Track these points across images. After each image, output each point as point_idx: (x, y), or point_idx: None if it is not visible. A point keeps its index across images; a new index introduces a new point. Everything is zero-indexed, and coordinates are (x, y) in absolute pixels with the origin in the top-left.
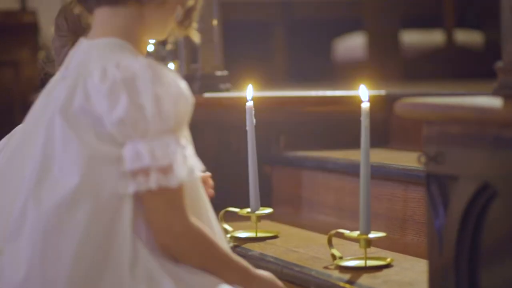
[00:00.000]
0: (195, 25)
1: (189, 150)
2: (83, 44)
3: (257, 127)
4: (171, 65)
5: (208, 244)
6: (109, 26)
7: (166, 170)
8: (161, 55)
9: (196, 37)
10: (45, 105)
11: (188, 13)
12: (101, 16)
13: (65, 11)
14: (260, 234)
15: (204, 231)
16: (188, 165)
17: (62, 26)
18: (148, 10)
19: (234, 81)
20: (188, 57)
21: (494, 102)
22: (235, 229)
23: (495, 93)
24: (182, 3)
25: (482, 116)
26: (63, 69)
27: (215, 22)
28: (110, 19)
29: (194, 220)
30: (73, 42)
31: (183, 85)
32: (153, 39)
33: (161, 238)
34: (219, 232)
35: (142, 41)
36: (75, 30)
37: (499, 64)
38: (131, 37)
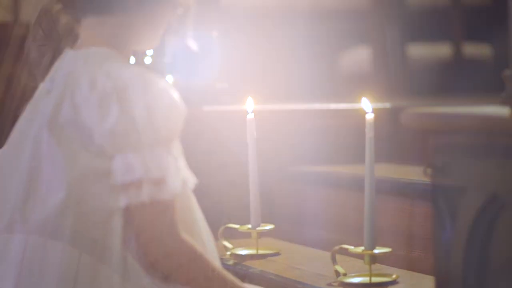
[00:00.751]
0: (190, 33)
1: (181, 162)
2: (68, 54)
3: (258, 141)
4: (170, 77)
5: (199, 261)
6: (96, 36)
7: (159, 182)
8: (159, 67)
9: (192, 45)
10: (31, 119)
11: (181, 21)
12: (87, 26)
13: (39, 19)
14: (261, 251)
15: (196, 247)
16: (181, 177)
17: (38, 35)
18: (136, 19)
19: (235, 93)
20: (187, 69)
21: (502, 111)
22: (235, 246)
23: (503, 102)
24: (171, 11)
25: (490, 125)
26: (47, 81)
27: (215, 33)
28: (97, 29)
29: (185, 235)
30: (53, 50)
31: (175, 95)
32: (143, 48)
33: (151, 254)
34: (211, 246)
35: (130, 51)
36: (51, 37)
37: (507, 72)
38: (119, 47)
